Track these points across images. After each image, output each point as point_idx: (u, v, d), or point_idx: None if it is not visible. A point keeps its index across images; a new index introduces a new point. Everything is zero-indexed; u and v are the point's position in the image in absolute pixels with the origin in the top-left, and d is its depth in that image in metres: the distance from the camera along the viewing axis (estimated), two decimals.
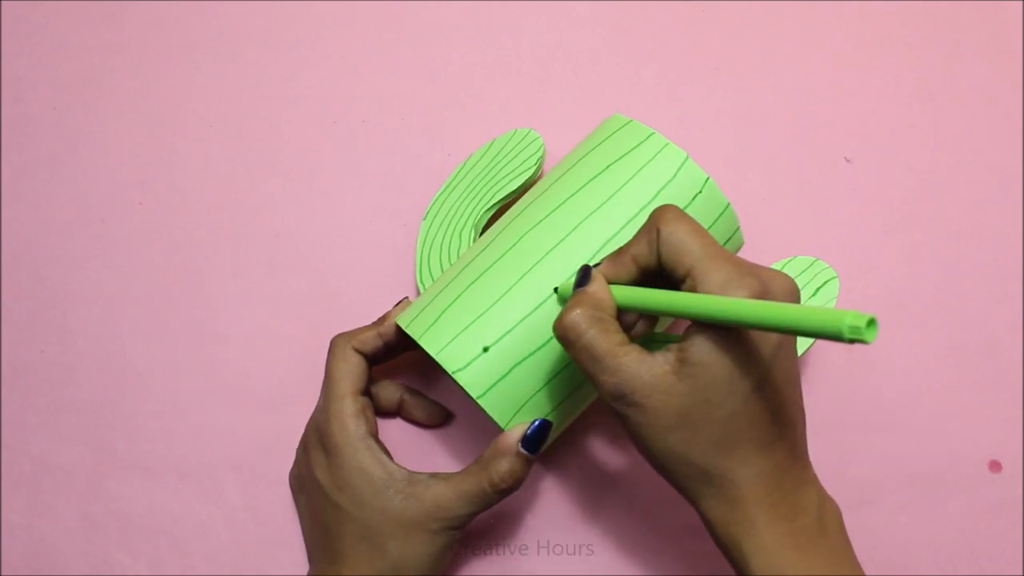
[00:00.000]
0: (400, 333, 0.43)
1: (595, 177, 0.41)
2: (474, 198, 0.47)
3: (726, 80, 0.53)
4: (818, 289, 0.45)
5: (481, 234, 0.47)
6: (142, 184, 0.52)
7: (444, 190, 0.48)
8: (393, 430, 0.47)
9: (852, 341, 0.26)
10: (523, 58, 0.54)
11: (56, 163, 0.52)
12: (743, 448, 0.33)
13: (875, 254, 0.50)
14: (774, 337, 0.33)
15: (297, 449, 0.46)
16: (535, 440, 0.39)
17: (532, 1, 0.54)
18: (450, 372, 0.39)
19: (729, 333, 0.32)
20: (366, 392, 0.43)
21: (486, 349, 0.39)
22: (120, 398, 0.48)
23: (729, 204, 0.41)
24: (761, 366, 0.33)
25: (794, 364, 0.34)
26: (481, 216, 0.47)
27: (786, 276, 0.33)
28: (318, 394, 0.46)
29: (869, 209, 0.51)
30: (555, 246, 0.40)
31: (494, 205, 0.47)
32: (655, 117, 0.52)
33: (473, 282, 0.40)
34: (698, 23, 0.54)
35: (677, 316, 0.33)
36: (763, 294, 0.32)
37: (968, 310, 0.49)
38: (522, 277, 0.40)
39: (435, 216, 0.47)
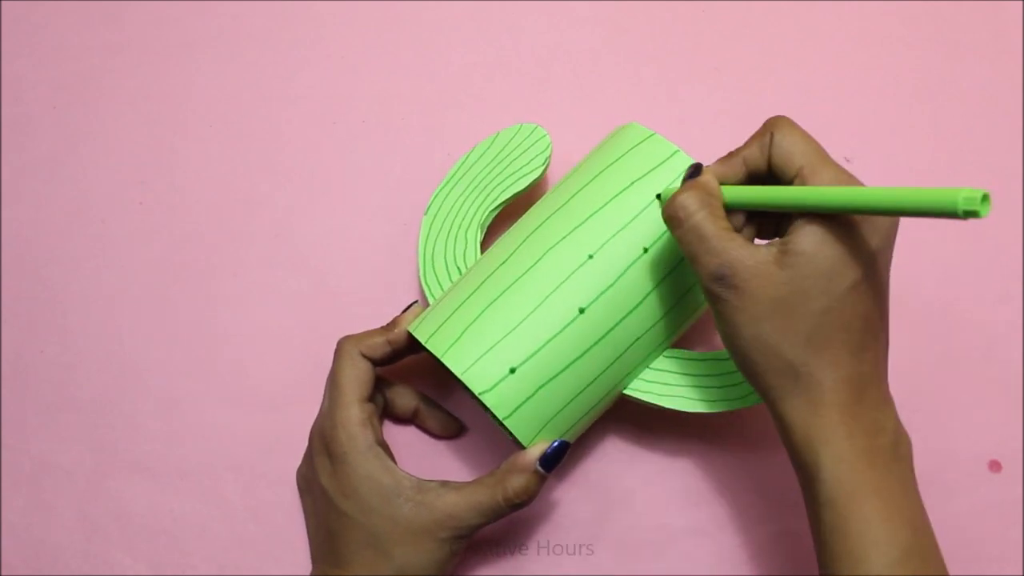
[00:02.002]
0: (410, 339, 0.42)
1: (619, 194, 0.41)
2: (478, 196, 0.46)
3: (726, 80, 0.53)
4: None
5: (486, 235, 0.47)
6: (142, 184, 0.52)
7: (446, 184, 0.47)
8: (402, 435, 0.47)
9: (967, 215, 0.27)
10: (523, 58, 0.54)
11: (56, 163, 0.52)
12: (834, 348, 0.33)
13: None
14: (877, 238, 0.33)
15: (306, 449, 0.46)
16: (553, 460, 0.40)
17: (532, 1, 0.54)
18: (476, 393, 0.39)
19: (834, 227, 0.33)
20: (373, 397, 0.43)
21: (513, 370, 0.39)
22: (120, 398, 0.48)
23: None
24: (861, 265, 0.33)
25: (887, 279, 0.35)
26: (486, 216, 0.46)
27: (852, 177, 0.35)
28: (319, 394, 0.46)
29: None
30: (581, 265, 0.40)
31: (500, 205, 0.46)
32: (655, 117, 0.52)
33: (496, 298, 0.40)
34: (698, 23, 0.54)
35: (786, 208, 0.34)
36: (846, 180, 0.33)
37: (968, 310, 0.49)
38: (548, 297, 0.39)
39: (437, 212, 0.47)
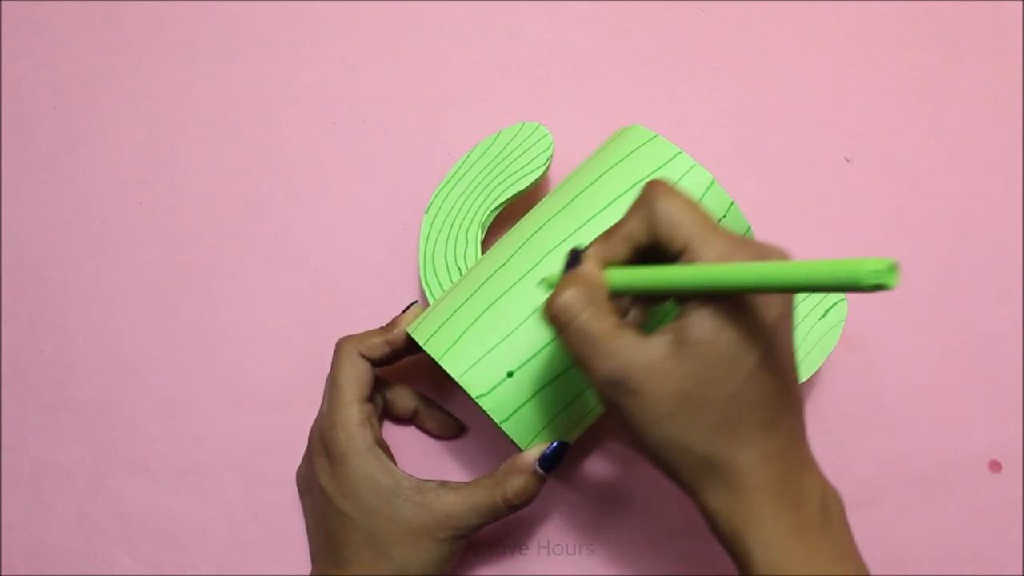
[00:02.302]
0: (409, 340, 0.42)
1: (621, 196, 0.40)
2: (480, 195, 0.46)
3: (726, 80, 0.53)
4: (827, 310, 0.45)
5: (487, 235, 0.47)
6: (142, 184, 0.52)
7: (447, 183, 0.47)
8: (401, 435, 0.47)
9: (874, 288, 0.25)
10: (523, 58, 0.54)
11: (56, 163, 0.52)
12: (746, 430, 0.32)
13: (875, 254, 0.50)
14: (775, 310, 0.31)
15: (305, 449, 0.46)
16: (553, 461, 0.40)
17: (532, 1, 0.54)
18: (473, 397, 0.39)
19: (730, 307, 0.30)
20: (372, 398, 0.43)
21: (510, 374, 0.39)
22: (120, 398, 0.48)
23: (750, 227, 0.41)
24: (763, 340, 0.31)
25: (792, 341, 0.33)
26: (487, 216, 0.46)
27: (780, 248, 0.32)
28: (318, 394, 0.46)
29: (869, 209, 0.51)
30: None
31: (501, 204, 0.46)
32: (655, 117, 0.52)
33: (495, 301, 0.40)
34: (698, 23, 0.54)
35: (677, 292, 0.31)
36: (736, 254, 0.31)
37: (968, 310, 0.49)
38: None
39: (438, 211, 0.46)
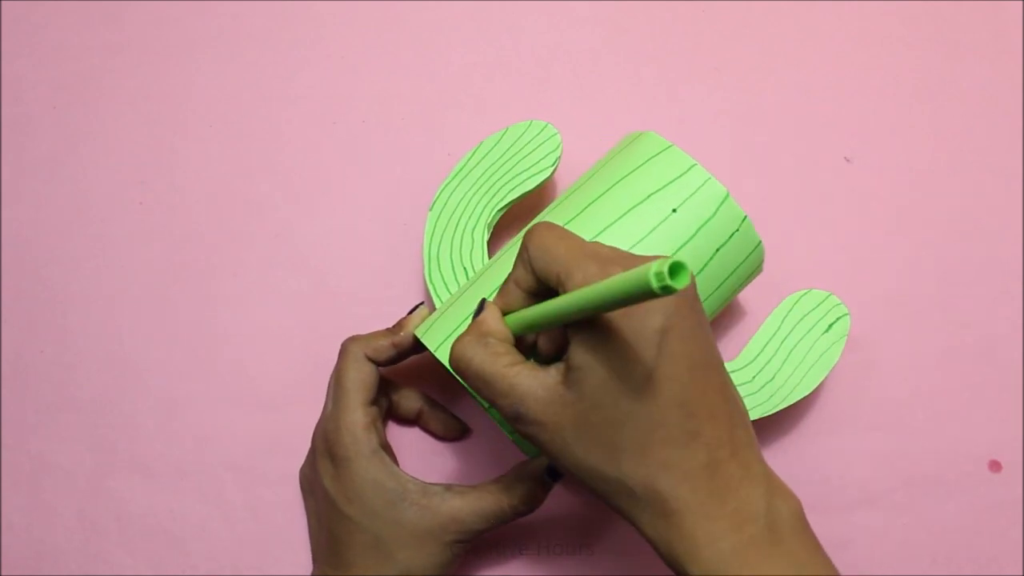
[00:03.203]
0: (415, 341, 0.42)
1: (634, 207, 0.40)
2: (486, 193, 0.46)
3: (726, 80, 0.53)
4: (831, 325, 0.45)
5: (492, 235, 0.46)
6: (142, 184, 0.52)
7: (452, 179, 0.46)
8: (405, 436, 0.47)
9: (665, 291, 0.24)
10: (523, 58, 0.54)
11: (56, 163, 0.52)
12: (657, 450, 0.31)
13: (875, 254, 0.50)
14: (658, 319, 0.30)
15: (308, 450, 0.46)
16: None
17: (532, 1, 0.54)
18: (486, 406, 0.39)
19: (602, 329, 0.30)
20: (376, 399, 0.43)
21: None
22: (120, 398, 0.48)
23: (760, 242, 0.41)
24: (647, 355, 0.30)
25: (699, 347, 0.31)
26: (493, 215, 0.46)
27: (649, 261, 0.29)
28: (319, 394, 0.46)
29: (869, 209, 0.51)
30: None
31: (507, 204, 0.46)
32: (655, 117, 0.52)
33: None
34: (698, 23, 0.54)
35: (552, 325, 0.32)
36: (602, 274, 0.30)
37: (967, 310, 0.49)
38: None
39: (443, 208, 0.46)
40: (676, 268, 0.24)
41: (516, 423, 0.33)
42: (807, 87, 0.53)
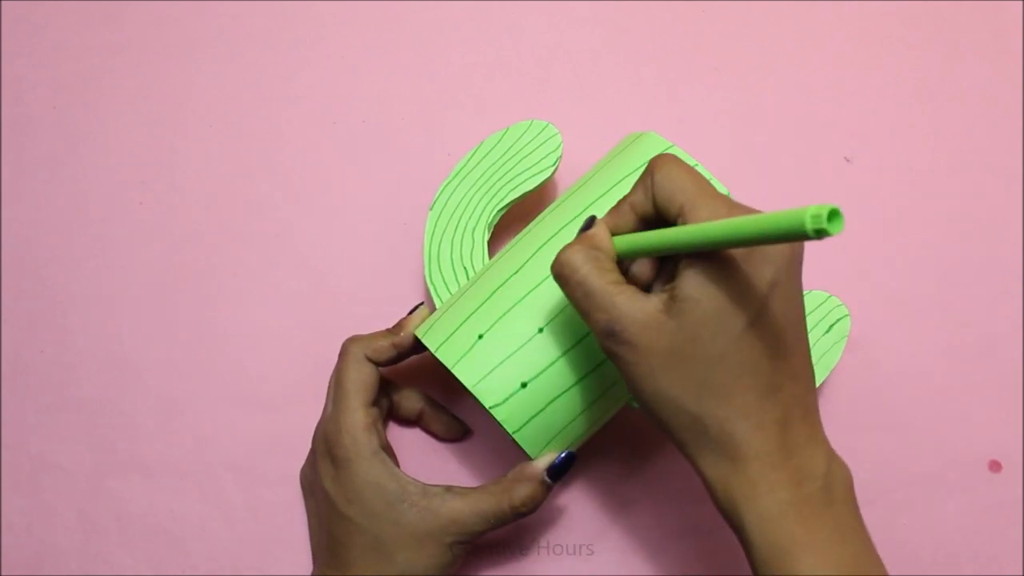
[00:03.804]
0: (415, 341, 0.42)
1: None
2: (486, 193, 0.46)
3: (726, 80, 0.53)
4: (831, 326, 0.45)
5: (492, 235, 0.46)
6: (142, 184, 0.52)
7: (453, 178, 0.46)
8: (406, 437, 0.47)
9: (818, 235, 0.25)
10: (523, 58, 0.54)
11: (56, 163, 0.52)
12: (740, 396, 0.32)
13: (875, 254, 0.50)
14: (769, 271, 0.31)
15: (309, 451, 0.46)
16: (561, 470, 0.40)
17: (532, 1, 0.54)
18: (487, 407, 0.39)
19: (718, 266, 0.31)
20: (377, 400, 0.43)
21: (524, 385, 0.39)
22: (120, 398, 0.48)
23: None
24: (754, 302, 0.31)
25: (796, 310, 0.33)
26: (494, 215, 0.46)
27: (754, 209, 0.33)
28: (319, 394, 0.46)
29: (869, 209, 0.51)
30: None
31: (508, 204, 0.46)
32: (655, 117, 0.52)
33: (509, 310, 0.40)
34: (698, 23, 0.54)
35: (664, 252, 0.33)
36: (728, 215, 0.31)
37: (968, 310, 0.49)
38: (561, 311, 0.39)
39: (443, 207, 0.46)
40: (833, 214, 0.25)
41: (607, 339, 0.33)
42: (807, 87, 0.53)
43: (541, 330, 0.39)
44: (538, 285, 0.40)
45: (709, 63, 0.54)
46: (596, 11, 0.54)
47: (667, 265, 0.34)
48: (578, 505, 0.46)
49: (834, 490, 0.33)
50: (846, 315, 0.45)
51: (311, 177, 0.52)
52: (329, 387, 0.44)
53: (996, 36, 0.54)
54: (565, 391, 0.39)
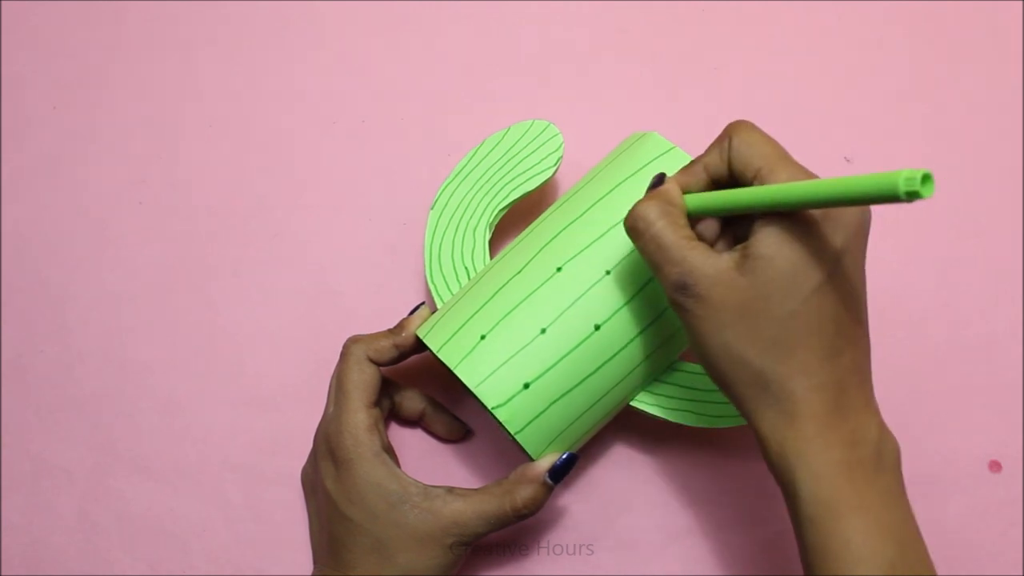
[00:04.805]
0: (417, 341, 0.42)
1: None
2: (487, 192, 0.46)
3: (726, 80, 0.53)
4: None
5: (493, 234, 0.46)
6: (142, 184, 0.52)
7: (454, 178, 0.46)
8: (407, 437, 0.47)
9: (910, 197, 0.26)
10: (523, 58, 0.54)
11: (56, 163, 0.52)
12: (803, 354, 0.32)
13: (875, 254, 0.50)
14: (840, 237, 0.32)
15: (310, 451, 0.46)
16: (562, 471, 0.40)
17: (532, 1, 0.54)
18: (489, 407, 0.39)
19: (793, 226, 0.32)
20: (379, 401, 0.43)
21: (527, 386, 0.39)
22: (120, 397, 0.48)
23: None
24: (826, 265, 0.32)
25: (861, 278, 0.34)
26: (495, 215, 0.46)
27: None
28: (319, 394, 0.46)
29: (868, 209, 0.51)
30: (598, 281, 0.39)
31: (509, 204, 0.46)
32: (655, 117, 0.52)
33: (511, 311, 0.40)
34: (698, 23, 0.54)
35: (742, 211, 0.33)
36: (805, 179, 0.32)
37: (968, 310, 0.49)
38: (564, 312, 0.39)
39: (445, 207, 0.46)
40: (927, 178, 0.26)
41: (678, 292, 0.34)
42: (807, 87, 0.53)
43: (544, 331, 0.39)
44: (541, 286, 0.40)
45: (709, 63, 0.54)
46: (596, 11, 0.54)
47: (730, 228, 0.36)
48: (578, 505, 0.46)
49: (884, 458, 0.34)
50: None
51: (311, 177, 0.52)
52: (330, 387, 0.44)
53: (996, 36, 0.54)
54: (567, 392, 0.39)
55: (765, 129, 0.53)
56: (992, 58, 0.54)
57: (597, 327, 0.39)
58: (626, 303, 0.39)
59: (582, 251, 0.40)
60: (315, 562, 0.44)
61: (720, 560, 0.45)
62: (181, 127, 0.53)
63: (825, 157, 0.52)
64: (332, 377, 0.43)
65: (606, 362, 0.39)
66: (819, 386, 0.33)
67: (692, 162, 0.36)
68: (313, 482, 0.44)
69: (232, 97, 0.53)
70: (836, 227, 0.32)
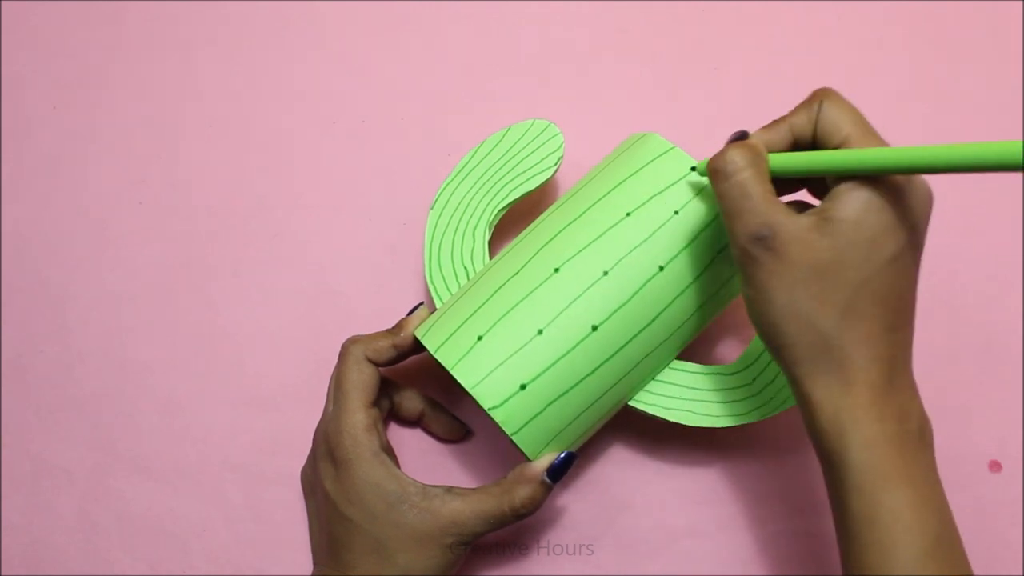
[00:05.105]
0: (415, 342, 0.42)
1: (636, 209, 0.40)
2: (487, 192, 0.46)
3: (726, 80, 0.53)
4: None
5: (492, 234, 0.46)
6: (142, 184, 0.52)
7: (454, 178, 0.46)
8: (406, 437, 0.47)
9: None
10: (523, 58, 0.54)
11: (56, 163, 0.52)
12: (868, 323, 0.33)
13: None
14: (915, 215, 0.32)
15: (310, 451, 0.46)
16: (560, 471, 0.40)
17: (532, 1, 0.54)
18: (485, 408, 0.39)
19: (879, 193, 0.32)
20: (378, 401, 0.43)
21: (523, 387, 0.39)
22: (120, 397, 0.48)
23: None
24: (904, 235, 0.32)
25: (920, 257, 0.34)
26: (495, 215, 0.45)
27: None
28: (319, 394, 0.46)
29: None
30: (596, 282, 0.39)
31: (509, 204, 0.46)
32: (655, 117, 0.52)
33: (508, 312, 0.39)
34: (698, 23, 0.54)
35: (835, 173, 0.33)
36: None
37: (968, 310, 0.49)
38: (561, 313, 0.39)
39: (444, 206, 0.46)
40: None
41: (754, 244, 0.34)
42: (807, 87, 0.53)
43: (541, 332, 0.39)
44: (539, 286, 0.40)
45: (709, 63, 0.54)
46: (596, 11, 0.54)
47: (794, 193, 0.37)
48: (578, 505, 0.46)
49: (926, 435, 0.34)
50: None
51: (311, 177, 0.52)
52: (329, 387, 0.43)
53: (996, 36, 0.54)
54: (564, 393, 0.39)
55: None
56: (992, 58, 0.54)
57: (595, 328, 0.39)
58: (624, 304, 0.39)
59: (580, 252, 0.40)
60: (315, 562, 0.44)
61: (720, 560, 0.45)
62: (181, 127, 0.53)
63: None
64: (331, 377, 0.43)
65: (604, 363, 0.39)
66: (878, 357, 0.33)
67: (777, 121, 0.36)
68: (312, 482, 0.44)
69: (232, 97, 0.53)
70: (914, 203, 0.33)
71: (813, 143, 0.35)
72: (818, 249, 0.33)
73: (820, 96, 0.35)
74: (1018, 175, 0.52)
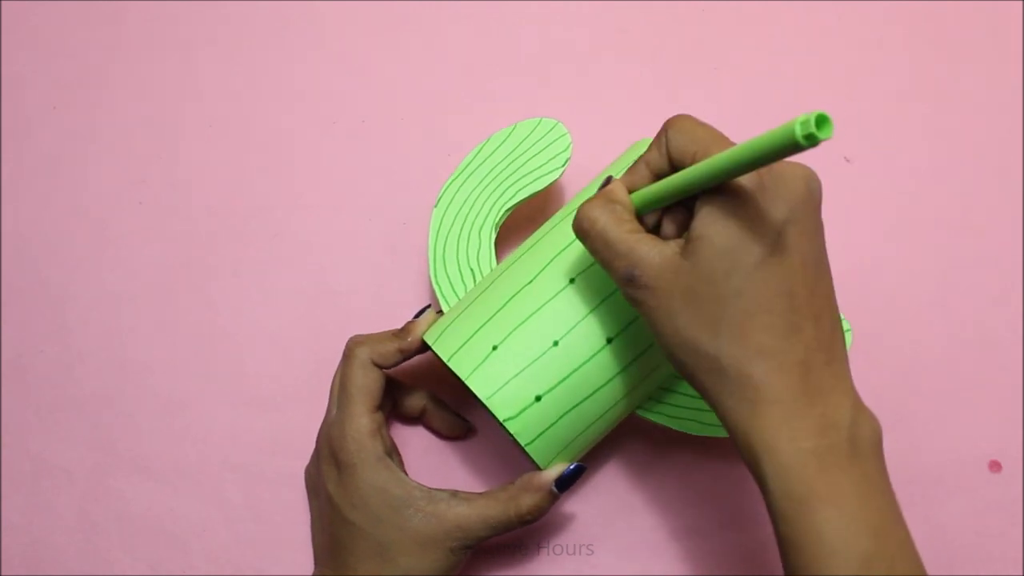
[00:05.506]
0: (421, 345, 0.42)
1: None
2: (493, 191, 0.45)
3: (726, 80, 0.53)
4: None
5: (498, 235, 0.46)
6: (142, 184, 0.52)
7: (458, 175, 0.45)
8: (408, 434, 0.47)
9: (810, 141, 0.25)
10: (523, 58, 0.54)
11: (56, 163, 0.52)
12: (757, 334, 0.31)
13: (875, 254, 0.50)
14: (781, 209, 0.31)
15: (313, 451, 0.46)
16: (569, 481, 0.40)
17: (532, 1, 0.54)
18: (500, 419, 0.38)
19: (729, 203, 0.31)
20: (381, 402, 0.43)
21: (539, 398, 0.39)
22: (120, 397, 0.48)
23: None
24: (766, 238, 0.31)
25: (815, 250, 0.32)
26: (501, 215, 0.45)
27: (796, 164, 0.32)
28: (319, 394, 0.46)
29: (869, 209, 0.51)
30: (611, 294, 0.39)
31: (515, 204, 0.45)
32: (655, 117, 0.52)
33: (523, 322, 0.39)
34: (698, 23, 0.54)
35: (677, 196, 0.33)
36: None
37: (967, 309, 0.49)
38: (576, 325, 0.39)
39: (449, 205, 0.45)
40: (821, 120, 0.25)
41: (628, 286, 0.34)
42: (807, 87, 0.53)
43: (556, 344, 0.39)
44: (553, 297, 0.39)
45: (709, 63, 0.54)
46: (596, 11, 0.54)
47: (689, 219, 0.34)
48: (578, 505, 0.46)
49: (859, 443, 0.32)
50: (848, 330, 0.45)
51: (311, 177, 0.52)
52: (332, 388, 0.43)
53: (996, 36, 0.54)
54: (577, 405, 0.39)
55: (765, 129, 0.53)
56: (992, 58, 0.54)
57: (609, 340, 0.39)
58: (637, 317, 0.39)
59: (594, 263, 0.39)
60: (316, 563, 0.44)
61: (720, 560, 0.45)
62: (181, 127, 0.53)
63: (825, 157, 0.51)
64: (334, 378, 0.43)
65: (616, 375, 0.39)
66: (779, 368, 0.31)
67: (635, 162, 0.36)
68: (316, 483, 0.44)
69: (232, 97, 0.53)
70: (777, 199, 0.31)
71: (672, 173, 0.34)
72: (683, 273, 0.32)
73: (666, 126, 0.35)
74: (1018, 176, 0.52)
